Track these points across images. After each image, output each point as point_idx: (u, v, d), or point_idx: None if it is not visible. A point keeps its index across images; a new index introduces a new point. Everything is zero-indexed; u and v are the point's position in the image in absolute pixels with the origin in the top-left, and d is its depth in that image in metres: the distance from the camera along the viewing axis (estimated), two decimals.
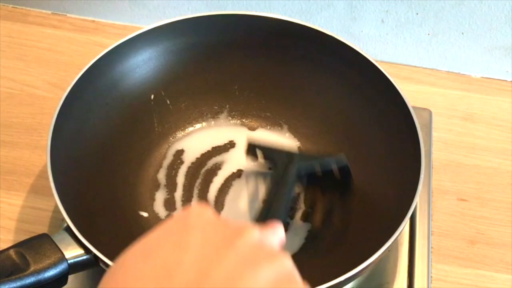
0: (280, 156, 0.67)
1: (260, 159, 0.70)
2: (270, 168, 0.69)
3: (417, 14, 0.80)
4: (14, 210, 0.70)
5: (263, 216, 0.58)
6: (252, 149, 0.70)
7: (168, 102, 0.73)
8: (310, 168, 0.66)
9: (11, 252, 0.53)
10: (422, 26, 0.81)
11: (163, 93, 0.73)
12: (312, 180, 0.67)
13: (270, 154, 0.69)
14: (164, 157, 0.72)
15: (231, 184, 0.71)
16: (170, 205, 0.69)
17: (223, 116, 0.75)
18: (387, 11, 0.80)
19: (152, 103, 0.72)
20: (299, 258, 0.64)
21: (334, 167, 0.66)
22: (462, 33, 0.81)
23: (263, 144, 0.70)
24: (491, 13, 0.78)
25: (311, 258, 0.65)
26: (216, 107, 0.75)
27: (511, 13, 0.78)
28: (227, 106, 0.75)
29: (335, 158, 0.67)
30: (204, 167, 0.72)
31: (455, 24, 0.80)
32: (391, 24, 0.82)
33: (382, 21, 0.82)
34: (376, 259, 0.56)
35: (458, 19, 0.80)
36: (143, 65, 0.71)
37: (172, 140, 0.73)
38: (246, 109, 0.75)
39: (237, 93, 0.75)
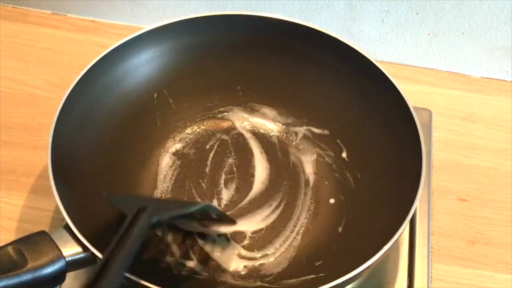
0: (131, 206, 0.58)
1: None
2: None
3: (417, 14, 0.80)
4: (14, 210, 0.70)
5: (97, 275, 0.50)
6: (111, 202, 0.62)
7: (171, 101, 0.73)
8: (161, 215, 0.59)
9: (9, 248, 0.53)
10: (422, 26, 0.81)
11: (166, 92, 0.73)
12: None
13: (122, 205, 0.61)
14: (166, 156, 0.72)
15: (232, 183, 0.71)
16: None
17: (226, 116, 0.75)
18: (387, 11, 0.80)
19: (155, 102, 0.72)
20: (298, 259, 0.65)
21: (189, 211, 0.61)
22: (462, 33, 0.81)
23: (119, 196, 0.64)
24: (491, 13, 0.78)
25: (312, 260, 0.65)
26: (219, 108, 0.75)
27: (511, 13, 0.78)
28: (230, 106, 0.75)
29: (194, 205, 0.63)
30: (206, 167, 0.72)
31: (455, 24, 0.80)
32: (391, 24, 0.82)
33: (382, 21, 0.82)
34: (377, 260, 0.56)
35: (458, 19, 0.80)
36: (146, 64, 0.71)
37: (174, 139, 0.74)
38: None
39: (240, 93, 0.75)
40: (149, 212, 0.57)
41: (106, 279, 0.50)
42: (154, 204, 0.59)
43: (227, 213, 0.68)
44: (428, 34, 0.82)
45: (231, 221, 0.66)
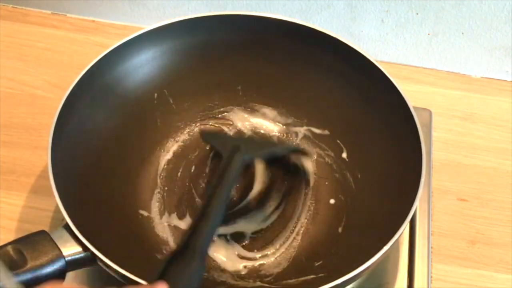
0: (225, 146, 0.66)
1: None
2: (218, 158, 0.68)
3: (417, 14, 0.80)
4: (14, 210, 0.70)
5: (202, 212, 0.57)
6: (205, 138, 0.72)
7: (171, 101, 0.74)
8: (254, 156, 0.66)
9: (9, 248, 0.53)
10: (422, 26, 0.81)
11: (166, 92, 0.73)
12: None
13: (217, 143, 0.70)
14: (166, 156, 0.72)
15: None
16: (170, 204, 0.69)
17: (227, 116, 0.75)
18: (387, 11, 0.80)
19: (155, 102, 0.72)
20: (298, 258, 0.65)
21: (281, 152, 0.70)
22: (462, 33, 0.81)
23: (212, 133, 0.72)
24: (491, 13, 0.78)
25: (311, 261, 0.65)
26: (219, 108, 0.75)
27: (511, 13, 0.78)
28: (230, 106, 0.75)
29: (283, 146, 0.71)
30: (206, 167, 0.72)
31: (455, 24, 0.80)
32: (391, 24, 0.82)
33: (382, 21, 0.82)
34: (377, 260, 0.56)
35: (458, 19, 0.80)
36: (146, 64, 0.71)
37: (175, 139, 0.74)
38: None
39: (240, 93, 0.75)
40: (243, 151, 0.64)
41: (212, 210, 0.57)
42: (247, 144, 0.67)
43: (227, 213, 0.69)
44: (428, 34, 0.82)
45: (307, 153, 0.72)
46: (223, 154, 0.65)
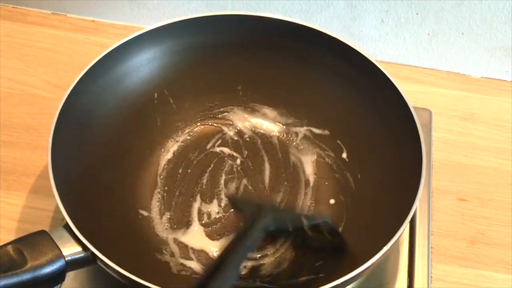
0: (249, 209, 0.64)
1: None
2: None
3: (417, 14, 0.80)
4: (14, 210, 0.70)
5: (213, 269, 0.56)
6: (233, 203, 0.69)
7: (171, 101, 0.74)
8: (279, 223, 0.63)
9: (9, 248, 0.53)
10: (422, 26, 0.81)
11: (166, 92, 0.73)
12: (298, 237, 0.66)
13: (242, 206, 0.68)
14: (166, 156, 0.72)
15: (232, 183, 0.71)
16: (170, 204, 0.69)
17: (227, 116, 0.75)
18: (387, 11, 0.80)
19: (155, 102, 0.72)
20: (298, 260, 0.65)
21: (307, 223, 0.64)
22: (462, 33, 0.81)
23: (239, 197, 0.70)
24: (491, 13, 0.78)
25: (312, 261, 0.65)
26: (220, 108, 0.75)
27: (511, 13, 0.78)
28: (230, 106, 0.75)
29: (313, 216, 0.66)
30: (206, 167, 0.72)
31: (455, 24, 0.80)
32: (391, 24, 0.82)
33: (382, 21, 0.82)
34: (377, 260, 0.56)
35: (458, 19, 0.80)
36: (146, 64, 0.71)
37: (175, 139, 0.74)
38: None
39: (240, 93, 0.75)
40: (264, 217, 0.61)
41: (221, 275, 0.55)
42: (273, 213, 0.63)
43: (228, 212, 0.69)
44: (428, 34, 0.82)
45: (341, 245, 0.65)
46: (247, 219, 0.63)
